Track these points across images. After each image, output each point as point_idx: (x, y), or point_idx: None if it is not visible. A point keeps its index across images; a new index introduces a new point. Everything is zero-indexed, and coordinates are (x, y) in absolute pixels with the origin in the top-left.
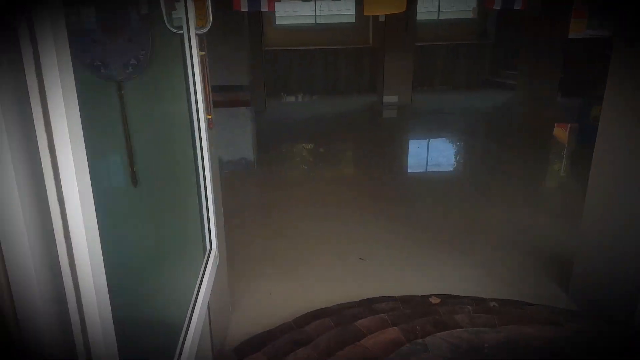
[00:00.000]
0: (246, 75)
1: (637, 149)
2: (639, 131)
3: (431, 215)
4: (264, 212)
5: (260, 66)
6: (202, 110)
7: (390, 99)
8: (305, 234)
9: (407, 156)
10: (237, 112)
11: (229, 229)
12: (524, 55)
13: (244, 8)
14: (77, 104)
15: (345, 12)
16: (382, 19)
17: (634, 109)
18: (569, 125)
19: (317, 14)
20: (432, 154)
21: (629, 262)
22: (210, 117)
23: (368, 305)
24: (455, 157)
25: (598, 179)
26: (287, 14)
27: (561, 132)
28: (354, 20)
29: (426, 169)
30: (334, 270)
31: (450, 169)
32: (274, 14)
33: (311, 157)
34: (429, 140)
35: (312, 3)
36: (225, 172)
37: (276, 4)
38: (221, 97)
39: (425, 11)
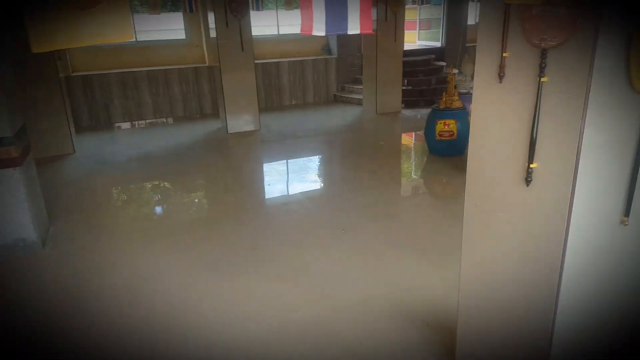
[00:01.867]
0: (7, 122)
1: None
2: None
3: (287, 274)
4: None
5: (60, 98)
6: None
7: (235, 125)
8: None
9: (260, 204)
10: (1, 177)
11: None
12: (367, 69)
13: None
14: None
15: (173, 28)
16: (212, 35)
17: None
18: (418, 140)
19: (136, 30)
20: (291, 195)
21: (524, 333)
22: None
23: None
24: (313, 196)
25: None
26: None
27: (412, 146)
28: (184, 37)
29: (281, 217)
30: None
31: (307, 211)
32: None
33: (129, 221)
34: (286, 178)
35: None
36: None
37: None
38: None
39: (262, 25)
